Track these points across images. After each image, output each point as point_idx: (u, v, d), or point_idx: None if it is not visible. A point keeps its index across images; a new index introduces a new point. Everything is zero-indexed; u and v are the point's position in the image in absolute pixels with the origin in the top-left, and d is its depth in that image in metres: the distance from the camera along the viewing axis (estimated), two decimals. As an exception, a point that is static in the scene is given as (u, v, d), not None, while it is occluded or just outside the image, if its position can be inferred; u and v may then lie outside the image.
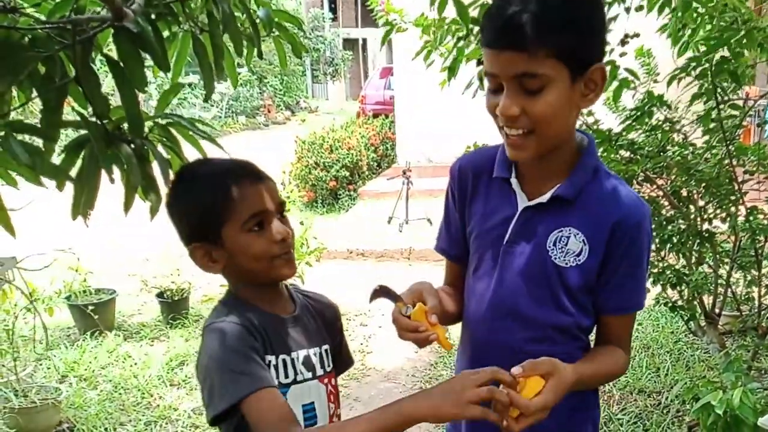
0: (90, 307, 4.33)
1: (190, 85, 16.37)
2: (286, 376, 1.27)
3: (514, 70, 1.11)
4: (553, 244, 1.23)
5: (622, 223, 1.21)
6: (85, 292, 4.50)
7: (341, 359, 1.45)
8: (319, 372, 1.33)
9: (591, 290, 1.26)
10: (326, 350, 1.36)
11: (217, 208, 1.23)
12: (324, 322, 1.40)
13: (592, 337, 1.36)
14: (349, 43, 27.61)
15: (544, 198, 1.24)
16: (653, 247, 3.01)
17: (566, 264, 1.23)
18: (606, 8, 2.55)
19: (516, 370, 1.08)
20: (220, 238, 1.24)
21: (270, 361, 1.25)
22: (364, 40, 27.91)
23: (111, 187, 1.35)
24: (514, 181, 1.28)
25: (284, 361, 1.27)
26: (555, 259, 1.23)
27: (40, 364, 3.94)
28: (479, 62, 2.51)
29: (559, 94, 1.12)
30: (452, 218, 1.41)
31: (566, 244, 1.23)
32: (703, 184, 2.85)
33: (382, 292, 1.25)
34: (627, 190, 1.26)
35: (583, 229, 1.22)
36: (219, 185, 1.24)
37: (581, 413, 1.35)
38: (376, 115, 12.68)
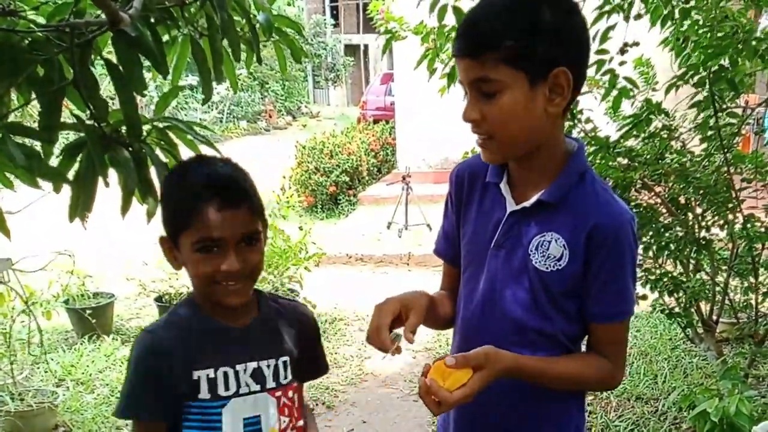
0: (88, 311, 4.33)
1: (191, 88, 16.39)
2: (227, 389, 1.26)
3: (470, 76, 1.17)
4: (536, 248, 1.24)
5: (599, 228, 1.21)
6: (83, 295, 4.50)
7: (312, 368, 1.43)
8: (270, 384, 1.30)
9: (575, 296, 1.25)
10: (284, 362, 1.33)
11: (179, 217, 1.23)
12: (292, 333, 1.37)
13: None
14: (351, 49, 27.67)
15: (528, 203, 1.25)
16: (650, 253, 3.02)
17: (547, 269, 1.23)
18: (605, 17, 2.56)
19: (450, 360, 1.15)
20: (179, 243, 1.25)
21: (204, 375, 1.25)
22: (366, 46, 27.97)
23: (109, 190, 1.36)
24: (503, 185, 1.30)
25: (225, 373, 1.26)
26: (537, 263, 1.24)
27: (37, 368, 3.93)
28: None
29: (516, 99, 1.15)
30: (450, 222, 1.43)
31: (547, 249, 1.23)
32: (701, 192, 2.86)
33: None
34: (609, 196, 1.26)
35: (564, 233, 1.23)
36: (188, 197, 1.22)
37: (564, 419, 1.35)
38: (376, 121, 12.70)
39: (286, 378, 1.33)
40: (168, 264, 1.31)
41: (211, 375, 1.25)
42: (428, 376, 1.15)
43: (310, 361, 1.41)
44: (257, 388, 1.29)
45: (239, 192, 1.25)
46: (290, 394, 1.34)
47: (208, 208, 1.19)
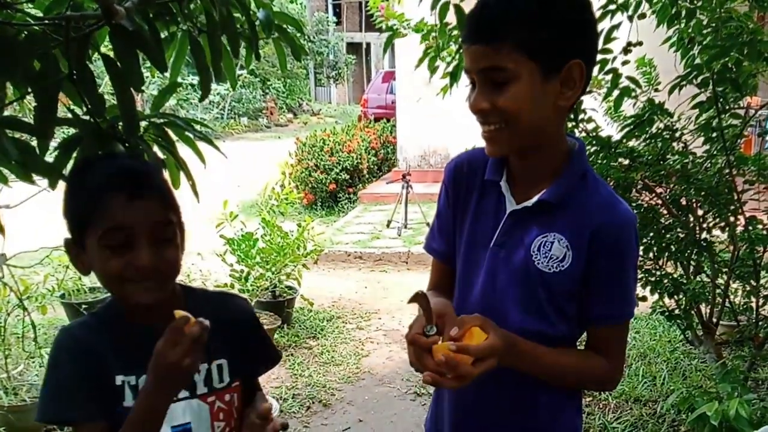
0: (84, 306, 4.31)
1: (193, 85, 16.39)
2: None
3: (481, 64, 1.14)
4: (538, 249, 1.22)
5: (602, 229, 1.20)
6: (79, 290, 4.49)
7: (259, 361, 1.35)
8: (202, 390, 1.23)
9: (575, 298, 1.24)
10: (219, 366, 1.26)
11: (83, 213, 1.13)
12: (227, 331, 1.27)
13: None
14: (353, 47, 27.65)
15: (530, 202, 1.23)
16: (651, 255, 3.01)
17: (549, 270, 1.21)
18: (609, 16, 2.54)
19: (454, 331, 1.11)
20: (84, 244, 1.14)
21: (126, 382, 1.18)
22: (368, 45, 27.95)
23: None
24: (503, 184, 1.27)
25: None
26: (539, 264, 1.22)
27: (32, 362, 3.92)
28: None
29: (528, 89, 1.13)
30: (445, 217, 1.39)
31: (550, 250, 1.21)
32: (703, 193, 2.85)
33: (421, 298, 1.16)
34: (612, 197, 1.25)
35: (567, 234, 1.21)
36: (90, 190, 1.13)
37: (561, 420, 1.33)
38: (377, 119, 12.67)
39: (221, 382, 1.26)
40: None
41: (133, 382, 1.18)
42: (438, 355, 1.09)
43: (255, 354, 1.34)
44: (185, 394, 1.22)
45: (147, 181, 1.15)
46: (227, 397, 1.27)
47: (114, 197, 1.10)
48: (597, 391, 3.22)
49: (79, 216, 1.14)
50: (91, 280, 4.68)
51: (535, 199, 1.23)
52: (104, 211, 1.10)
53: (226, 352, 1.28)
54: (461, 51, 2.67)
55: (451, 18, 2.42)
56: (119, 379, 1.18)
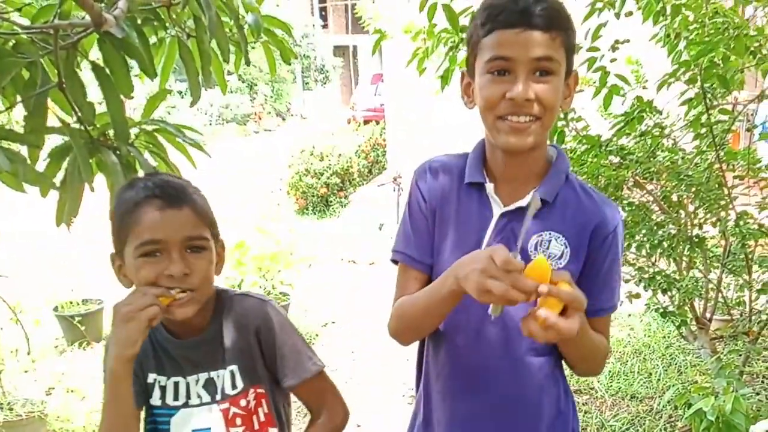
0: (77, 318, 4.28)
1: (180, 92, 16.33)
2: (176, 399, 1.26)
3: (537, 52, 1.13)
4: (534, 248, 1.22)
5: (602, 225, 1.23)
6: (72, 302, 4.46)
7: (288, 369, 1.31)
8: (218, 396, 1.27)
9: None
10: (232, 371, 1.28)
11: (122, 226, 1.19)
12: (249, 337, 1.29)
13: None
14: (339, 50, 27.63)
15: (524, 202, 1.22)
16: (643, 252, 3.02)
17: None
18: (596, 14, 2.56)
19: (543, 288, 1.03)
20: (124, 257, 1.20)
21: (157, 381, 1.26)
22: (355, 47, 27.94)
23: (99, 194, 1.34)
24: (489, 185, 1.26)
25: (176, 383, 1.26)
26: None
27: (27, 376, 3.88)
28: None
29: (559, 85, 1.16)
30: (422, 223, 1.32)
31: (548, 248, 1.22)
32: (693, 189, 2.85)
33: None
34: (598, 195, 1.29)
35: (564, 232, 1.23)
36: (129, 204, 1.18)
37: (559, 420, 1.33)
38: (367, 122, 12.66)
39: (234, 388, 1.27)
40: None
41: (162, 383, 1.26)
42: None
43: (272, 363, 1.31)
44: (207, 399, 1.26)
45: (181, 194, 1.20)
46: (243, 403, 1.28)
47: (148, 210, 1.16)
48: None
49: (119, 229, 1.20)
50: (87, 291, 4.66)
51: (528, 197, 1.22)
52: (140, 224, 1.16)
53: (238, 357, 1.29)
54: (450, 54, 2.68)
55: (437, 20, 2.42)
56: (151, 377, 1.27)
